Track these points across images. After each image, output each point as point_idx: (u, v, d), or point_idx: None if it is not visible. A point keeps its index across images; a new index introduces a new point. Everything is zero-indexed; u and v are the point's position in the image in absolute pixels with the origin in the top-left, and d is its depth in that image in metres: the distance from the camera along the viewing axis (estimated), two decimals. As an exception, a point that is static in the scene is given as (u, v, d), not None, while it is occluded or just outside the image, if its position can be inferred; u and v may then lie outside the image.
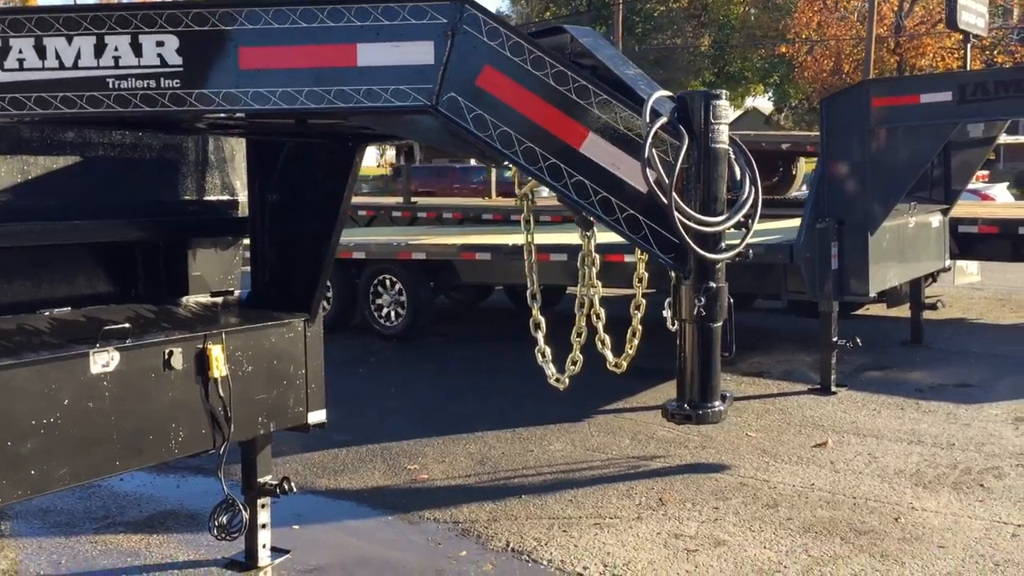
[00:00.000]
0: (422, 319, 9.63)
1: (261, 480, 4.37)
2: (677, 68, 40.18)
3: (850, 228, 6.98)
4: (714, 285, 2.54)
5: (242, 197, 4.51)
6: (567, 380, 3.06)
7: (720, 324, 2.57)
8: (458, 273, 9.37)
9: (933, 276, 9.87)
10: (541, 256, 8.44)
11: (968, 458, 5.66)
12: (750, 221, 2.57)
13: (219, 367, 3.83)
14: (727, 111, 2.54)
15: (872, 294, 7.27)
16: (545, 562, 4.33)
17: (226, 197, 4.53)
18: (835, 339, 7.14)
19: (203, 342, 3.82)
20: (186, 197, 4.37)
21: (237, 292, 4.45)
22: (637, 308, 3.20)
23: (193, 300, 4.28)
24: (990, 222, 9.34)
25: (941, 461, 5.60)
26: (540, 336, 3.19)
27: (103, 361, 3.38)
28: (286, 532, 4.79)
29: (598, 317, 3.12)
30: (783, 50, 39.12)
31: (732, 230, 2.63)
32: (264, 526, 4.43)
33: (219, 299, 4.38)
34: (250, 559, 4.41)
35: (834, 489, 5.16)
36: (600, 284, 3.08)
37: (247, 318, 4.15)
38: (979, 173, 16.69)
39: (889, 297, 9.25)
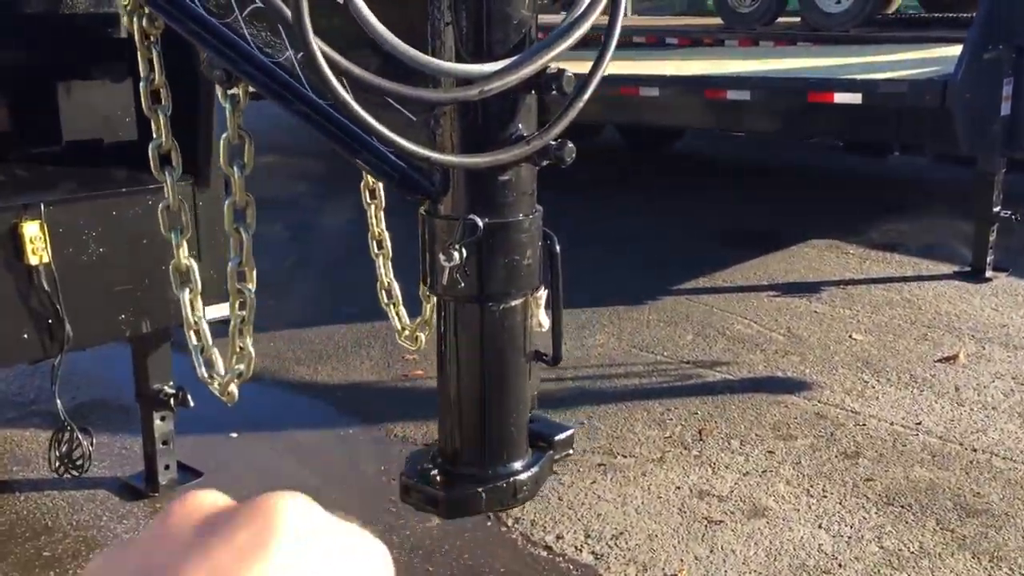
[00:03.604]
0: None
1: (156, 387, 3.41)
2: None
3: (1033, 59, 5.13)
4: (479, 221, 1.12)
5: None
6: (235, 390, 1.61)
7: (519, 303, 1.18)
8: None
9: None
10: (628, 90, 6.86)
11: None
12: (591, 77, 1.14)
13: (36, 251, 2.81)
14: None
15: (1056, 150, 5.43)
16: (510, 522, 3.19)
17: (108, 9, 3.38)
18: (997, 208, 5.42)
19: (17, 216, 2.79)
20: (45, 7, 3.24)
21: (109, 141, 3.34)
22: None
23: (43, 153, 3.21)
24: None
25: (1119, 396, 4.01)
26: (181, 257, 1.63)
27: None
28: (222, 442, 3.89)
29: (380, 245, 1.74)
30: None
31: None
32: (166, 443, 3.50)
33: (90, 152, 3.29)
34: (149, 483, 3.52)
35: (948, 434, 3.71)
36: (383, 203, 1.70)
37: (101, 181, 3.07)
38: None
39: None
